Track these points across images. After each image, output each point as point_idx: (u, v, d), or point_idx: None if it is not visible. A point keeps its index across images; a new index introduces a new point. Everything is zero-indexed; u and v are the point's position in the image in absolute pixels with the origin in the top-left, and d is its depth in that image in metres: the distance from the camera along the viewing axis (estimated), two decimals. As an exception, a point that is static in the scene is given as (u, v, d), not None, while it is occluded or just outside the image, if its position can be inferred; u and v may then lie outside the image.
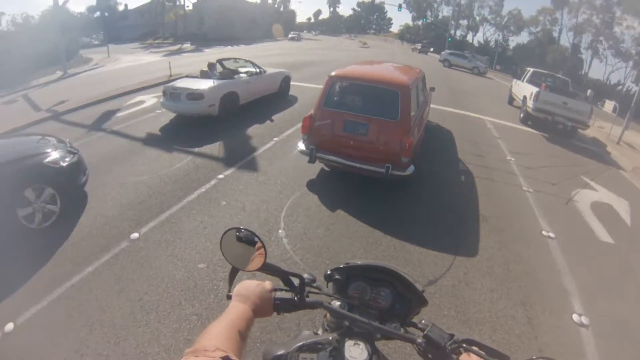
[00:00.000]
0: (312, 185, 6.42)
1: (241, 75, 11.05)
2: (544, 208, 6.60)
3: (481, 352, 1.11)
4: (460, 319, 3.80)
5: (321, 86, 6.59)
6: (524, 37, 71.09)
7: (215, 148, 7.92)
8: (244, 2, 69.70)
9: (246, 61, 12.20)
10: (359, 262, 1.41)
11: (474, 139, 10.36)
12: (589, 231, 6.15)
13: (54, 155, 5.16)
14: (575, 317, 4.04)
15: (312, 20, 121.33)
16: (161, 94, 9.76)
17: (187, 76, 10.87)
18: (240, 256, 1.27)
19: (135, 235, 4.77)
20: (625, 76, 54.70)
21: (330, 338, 1.17)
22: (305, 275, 1.31)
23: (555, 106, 12.50)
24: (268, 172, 6.87)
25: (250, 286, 1.19)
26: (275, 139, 8.66)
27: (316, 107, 6.38)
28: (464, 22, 77.25)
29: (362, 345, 1.15)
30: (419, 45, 64.08)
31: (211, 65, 10.47)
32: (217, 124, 9.26)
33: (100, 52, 31.93)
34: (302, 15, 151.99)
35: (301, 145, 6.48)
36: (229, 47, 41.69)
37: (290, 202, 5.78)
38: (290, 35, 65.20)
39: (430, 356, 1.15)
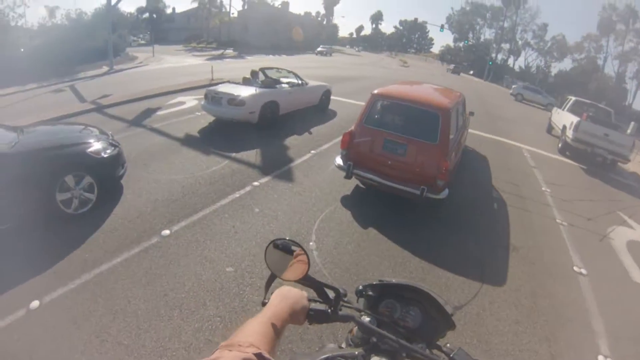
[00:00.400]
0: (346, 201, 6.38)
1: (283, 85, 11.17)
2: (578, 243, 6.35)
3: None
4: (483, 348, 3.70)
5: (361, 102, 6.64)
6: (566, 64, 69.96)
7: (252, 155, 7.98)
8: (288, 13, 71.60)
9: (289, 72, 12.21)
10: (394, 280, 1.43)
11: (510, 166, 10.12)
12: (623, 271, 5.87)
13: (96, 145, 5.37)
14: (600, 358, 3.88)
15: (354, 35, 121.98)
16: (202, 96, 9.99)
17: (228, 82, 11.14)
18: (279, 264, 1.29)
19: (166, 232, 4.87)
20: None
21: (357, 353, 1.18)
22: (340, 290, 1.31)
23: (595, 137, 12.01)
24: (303, 183, 6.89)
25: (291, 292, 1.20)
26: (312, 151, 8.65)
27: (357, 124, 6.38)
28: (506, 46, 76.44)
29: None
30: (452, 66, 64.00)
31: (254, 73, 10.68)
32: (256, 132, 9.39)
33: (145, 52, 33.21)
34: (345, 29, 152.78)
35: (339, 160, 6.47)
36: (271, 56, 42.62)
37: (324, 216, 5.77)
38: (318, 49, 59.45)
39: None
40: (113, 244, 4.49)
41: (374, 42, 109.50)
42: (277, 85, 10.87)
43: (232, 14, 61.68)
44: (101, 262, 4.14)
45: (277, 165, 7.57)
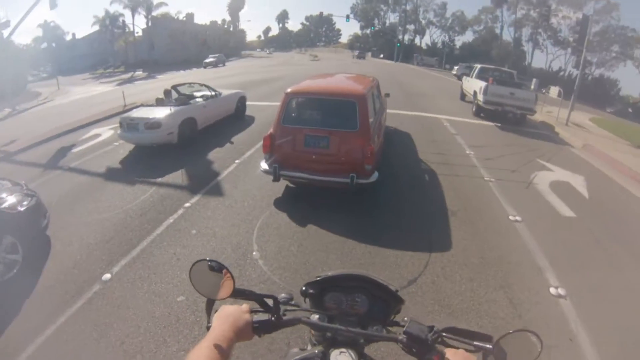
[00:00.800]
0: (279, 204, 6.34)
1: (197, 99, 10.85)
2: (508, 195, 6.89)
3: (461, 339, 1.17)
4: (445, 311, 3.88)
5: (276, 103, 6.61)
6: (469, 36, 74.17)
7: (178, 176, 7.70)
8: (194, 24, 69.65)
9: (201, 85, 11.96)
10: (330, 274, 1.42)
11: (433, 138, 10.67)
12: (552, 209, 6.52)
13: (9, 200, 4.83)
14: (552, 290, 4.28)
15: (262, 37, 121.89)
16: (117, 125, 9.46)
17: (142, 105, 10.64)
18: (212, 285, 1.26)
19: (107, 276, 4.54)
20: (565, 62, 57.87)
21: (316, 351, 1.21)
22: (282, 295, 1.31)
23: (503, 97, 13.40)
24: (234, 195, 6.73)
25: (228, 310, 1.20)
26: (236, 161, 8.48)
27: (275, 125, 6.28)
28: (411, 27, 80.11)
29: (347, 353, 1.17)
30: (356, 52, 69.29)
31: (167, 92, 10.28)
32: (178, 152, 9.03)
33: (49, 85, 30.65)
34: (253, 33, 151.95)
35: (264, 165, 6.35)
36: (182, 71, 41.33)
37: (260, 223, 5.68)
38: (206, 60, 48.92)
39: (415, 351, 1.16)
40: (53, 304, 4.06)
41: (283, 42, 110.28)
42: (191, 101, 10.56)
43: (137, 33, 58.97)
44: (44, 327, 3.72)
45: (205, 181, 7.35)
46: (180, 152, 9.03)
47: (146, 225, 5.72)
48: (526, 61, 63.41)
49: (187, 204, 6.36)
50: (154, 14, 59.79)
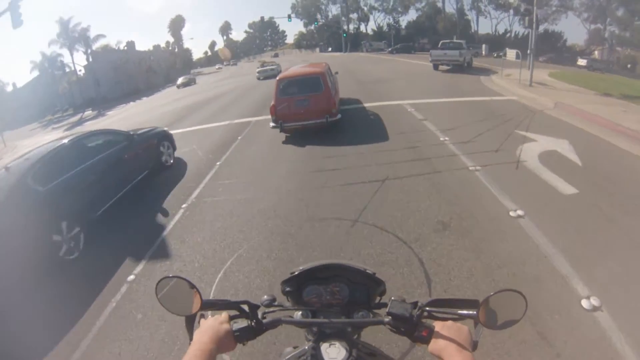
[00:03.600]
0: (238, 263, 4.80)
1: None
2: (499, 183, 5.85)
3: (447, 310, 1.15)
4: None
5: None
6: (412, 15, 73.40)
7: (118, 242, 5.93)
8: (136, 52, 66.89)
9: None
10: (303, 267, 1.35)
11: (401, 129, 9.56)
12: (551, 189, 5.58)
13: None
14: (584, 303, 3.35)
15: (209, 53, 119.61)
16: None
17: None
18: (181, 301, 1.21)
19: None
20: (510, 23, 58.63)
21: (306, 347, 1.20)
22: (265, 297, 1.29)
23: (441, 56, 22.16)
24: (182, 254, 5.23)
25: (207, 323, 1.18)
26: (183, 205, 6.74)
27: (275, 98, 10.03)
28: (354, 16, 79.10)
29: (337, 344, 1.15)
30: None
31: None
32: (115, 209, 7.04)
33: (-5, 143, 28.37)
34: (199, 50, 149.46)
35: (272, 123, 10.04)
36: (131, 102, 39.47)
37: (216, 288, 4.36)
38: (179, 82, 47.79)
39: (402, 330, 1.14)
40: None
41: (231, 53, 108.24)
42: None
43: (79, 71, 56.43)
44: None
45: (149, 241, 5.69)
46: (119, 208, 7.08)
47: (88, 319, 4.28)
48: (472, 29, 64.07)
49: (130, 277, 4.89)
50: (94, 47, 57.84)
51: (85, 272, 5.31)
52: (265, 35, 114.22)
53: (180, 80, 47.92)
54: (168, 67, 71.47)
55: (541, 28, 54.69)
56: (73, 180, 5.98)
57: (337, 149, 8.56)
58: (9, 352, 3.83)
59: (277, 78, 10.44)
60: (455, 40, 24.66)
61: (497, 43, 46.44)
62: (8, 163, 6.22)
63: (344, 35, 66.31)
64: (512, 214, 4.93)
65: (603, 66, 35.67)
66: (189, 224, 6.07)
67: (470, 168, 6.56)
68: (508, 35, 59.27)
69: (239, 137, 11.00)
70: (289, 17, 55.95)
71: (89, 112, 41.32)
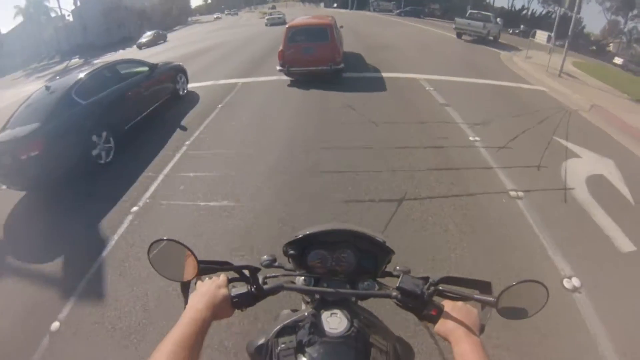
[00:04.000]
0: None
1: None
2: (547, 224, 4.50)
3: (459, 289, 1.11)
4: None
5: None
6: None
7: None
8: None
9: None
10: (309, 231, 1.27)
11: (421, 117, 7.99)
12: (607, 243, 4.27)
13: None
14: None
15: (209, 0, 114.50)
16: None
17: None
18: (176, 266, 1.13)
19: None
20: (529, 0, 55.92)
21: (306, 314, 1.11)
22: (264, 257, 1.28)
23: (466, 25, 20.95)
24: (120, 297, 3.86)
25: (204, 287, 1.13)
26: (134, 208, 5.40)
27: (284, 44, 10.62)
28: None
29: (339, 313, 1.09)
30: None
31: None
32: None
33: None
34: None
35: (279, 66, 10.76)
36: (121, 50, 37.22)
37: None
38: (140, 41, 37.04)
39: (410, 305, 1.11)
40: None
41: (233, 2, 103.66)
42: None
43: (67, 16, 53.36)
44: None
45: (83, 270, 4.28)
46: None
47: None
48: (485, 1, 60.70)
49: (54, 325, 3.60)
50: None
51: (116, 169, 6.60)
52: None
53: (143, 39, 37.17)
54: (163, 13, 67.71)
55: (561, 10, 53.01)
56: (107, 98, 7.19)
57: (342, 135, 7.20)
58: (59, 221, 5.17)
59: (287, 26, 11.10)
60: (483, 12, 23.23)
61: (513, 19, 44.73)
62: (48, 83, 7.27)
63: None
64: (566, 283, 3.64)
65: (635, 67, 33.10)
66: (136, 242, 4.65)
67: (512, 193, 5.17)
68: (525, 12, 56.41)
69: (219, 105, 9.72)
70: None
71: (75, 60, 39.15)
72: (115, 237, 4.79)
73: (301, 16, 14.09)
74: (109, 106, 7.11)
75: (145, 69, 8.94)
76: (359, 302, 1.23)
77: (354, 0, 61.52)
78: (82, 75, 7.19)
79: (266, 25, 37.13)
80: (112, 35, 51.62)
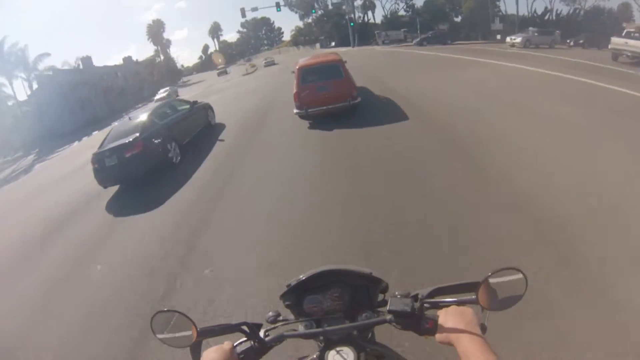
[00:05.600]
0: None
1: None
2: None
3: (447, 297, 1.47)
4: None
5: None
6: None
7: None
8: (94, 69, 67.92)
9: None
10: (297, 279, 1.67)
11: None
12: None
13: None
14: None
15: (203, 57, 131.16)
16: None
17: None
18: (180, 333, 1.53)
19: None
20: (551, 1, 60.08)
21: (315, 356, 1.51)
22: (269, 313, 1.64)
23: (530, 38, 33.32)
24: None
25: (210, 354, 1.44)
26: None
27: (297, 86, 13.56)
28: (358, 2, 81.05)
29: (345, 349, 1.46)
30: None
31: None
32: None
33: None
34: (195, 57, 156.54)
35: (295, 109, 13.70)
36: (76, 142, 38.43)
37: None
38: (156, 97, 52.28)
39: (407, 324, 1.45)
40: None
41: (225, 55, 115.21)
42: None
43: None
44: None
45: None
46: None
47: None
48: (499, 9, 65.20)
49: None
50: (40, 70, 59.20)
51: (184, 166, 12.23)
52: (260, 33, 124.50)
53: (159, 94, 53.86)
54: (141, 82, 73.22)
55: (590, 3, 56.36)
56: (171, 122, 13.51)
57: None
58: (151, 198, 9.96)
59: (297, 67, 14.16)
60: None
61: (539, 26, 47.21)
62: (129, 114, 16.97)
63: (352, 24, 67.01)
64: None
65: None
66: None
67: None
68: (548, 16, 60.65)
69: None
70: (278, 6, 52.18)
71: (31, 157, 39.94)
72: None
73: (316, 55, 18.18)
74: (173, 127, 13.27)
75: (188, 106, 15.81)
76: (372, 336, 1.67)
77: (354, 35, 65.30)
78: (155, 106, 14.86)
79: (264, 66, 63.26)
80: (77, 119, 54.44)
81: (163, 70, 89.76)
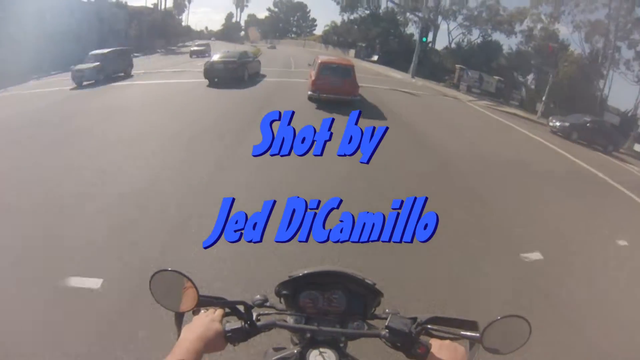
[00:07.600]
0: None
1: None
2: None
3: (446, 328, 1.87)
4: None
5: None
6: (500, 38, 69.90)
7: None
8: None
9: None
10: (301, 273, 2.07)
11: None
12: None
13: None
14: None
15: (227, 26, 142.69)
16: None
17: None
18: (176, 297, 1.83)
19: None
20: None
21: (295, 352, 1.84)
22: (257, 297, 1.99)
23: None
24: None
25: (198, 321, 1.76)
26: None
27: (316, 74, 25.85)
28: (415, 15, 72.61)
29: (328, 352, 1.77)
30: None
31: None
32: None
33: None
34: (217, 23, 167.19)
35: (310, 92, 25.82)
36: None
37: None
38: (193, 48, 65.64)
39: (399, 345, 1.81)
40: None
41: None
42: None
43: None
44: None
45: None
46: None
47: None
48: (601, 90, 59.47)
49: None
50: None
51: (251, 81, 33.53)
52: (292, 19, 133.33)
53: (194, 47, 66.88)
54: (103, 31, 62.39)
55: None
56: (247, 60, 36.32)
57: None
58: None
59: (320, 61, 25.79)
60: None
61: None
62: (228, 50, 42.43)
63: (424, 39, 58.37)
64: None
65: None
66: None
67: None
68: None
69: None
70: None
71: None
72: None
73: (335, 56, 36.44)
74: (247, 63, 34.80)
75: (252, 57, 38.88)
76: (348, 345, 1.92)
77: (417, 58, 49.56)
78: (242, 50, 42.01)
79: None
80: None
81: (158, 24, 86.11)
